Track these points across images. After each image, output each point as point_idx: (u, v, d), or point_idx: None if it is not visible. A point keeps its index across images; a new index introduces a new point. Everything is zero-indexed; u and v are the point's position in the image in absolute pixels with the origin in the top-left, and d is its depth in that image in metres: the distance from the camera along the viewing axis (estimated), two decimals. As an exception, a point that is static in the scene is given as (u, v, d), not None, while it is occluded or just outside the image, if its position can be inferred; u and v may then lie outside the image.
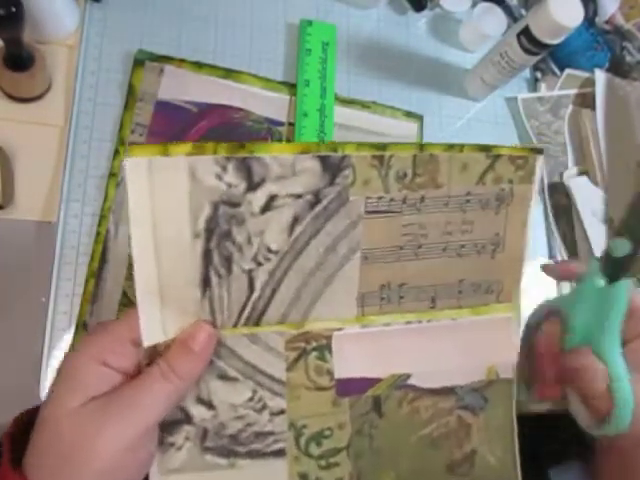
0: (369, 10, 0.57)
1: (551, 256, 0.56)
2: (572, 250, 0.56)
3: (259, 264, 0.29)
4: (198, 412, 0.30)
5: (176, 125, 0.46)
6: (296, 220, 0.29)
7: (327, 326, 0.32)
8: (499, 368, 0.36)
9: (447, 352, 0.35)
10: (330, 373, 0.32)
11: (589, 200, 0.57)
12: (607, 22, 0.66)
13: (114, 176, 0.43)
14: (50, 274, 0.41)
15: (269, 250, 0.29)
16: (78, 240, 0.42)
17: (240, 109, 0.48)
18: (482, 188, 0.32)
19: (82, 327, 0.40)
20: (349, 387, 0.33)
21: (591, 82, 0.62)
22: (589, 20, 0.63)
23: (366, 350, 0.33)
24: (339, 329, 0.32)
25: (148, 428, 0.27)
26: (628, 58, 0.65)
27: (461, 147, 0.31)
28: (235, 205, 0.28)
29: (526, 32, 0.48)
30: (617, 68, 0.64)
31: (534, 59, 0.51)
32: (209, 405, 0.30)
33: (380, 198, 0.31)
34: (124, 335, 0.27)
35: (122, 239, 0.42)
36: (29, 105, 0.43)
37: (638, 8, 0.65)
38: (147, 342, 0.27)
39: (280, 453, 0.32)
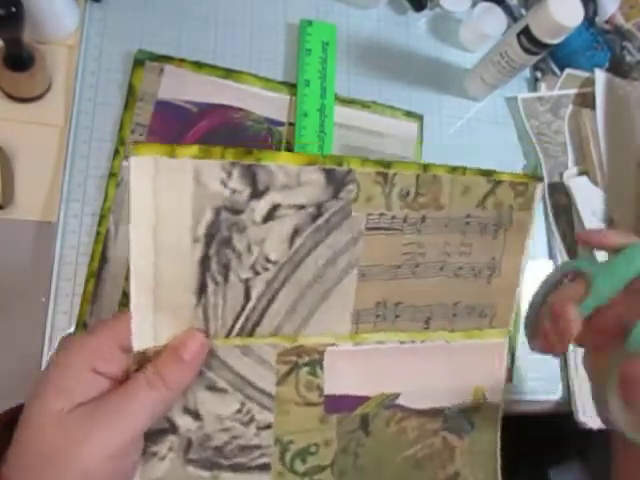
0: (369, 10, 0.57)
1: (551, 256, 0.56)
2: (572, 250, 0.56)
3: (257, 273, 0.29)
4: (184, 422, 0.29)
5: (176, 125, 0.46)
6: (297, 231, 0.29)
7: (321, 341, 0.32)
8: (487, 392, 0.36)
9: (438, 373, 0.35)
10: (320, 389, 0.32)
11: (589, 200, 0.57)
12: (607, 22, 0.66)
13: (114, 176, 0.43)
14: (50, 274, 0.41)
15: (268, 260, 0.29)
16: (78, 240, 0.42)
17: (240, 109, 0.48)
18: (482, 212, 0.33)
19: (82, 327, 0.40)
20: (338, 404, 0.33)
21: (591, 82, 0.61)
22: (589, 20, 0.63)
23: (358, 367, 0.33)
24: (332, 344, 0.32)
25: (134, 436, 0.26)
26: (628, 58, 0.65)
27: (464, 170, 0.32)
28: (237, 212, 0.28)
29: (526, 32, 0.48)
30: (617, 68, 0.64)
31: (534, 59, 0.51)
32: (195, 415, 0.30)
33: (381, 215, 0.31)
34: (113, 340, 0.27)
35: (122, 239, 0.42)
36: (29, 105, 0.43)
37: (638, 8, 0.65)
38: (137, 347, 0.27)
39: (264, 468, 0.32)
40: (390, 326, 0.33)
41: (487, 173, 0.32)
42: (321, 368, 0.32)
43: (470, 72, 0.58)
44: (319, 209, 0.29)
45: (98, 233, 0.42)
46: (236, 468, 0.31)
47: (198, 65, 0.48)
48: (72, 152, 0.43)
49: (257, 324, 0.30)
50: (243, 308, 0.29)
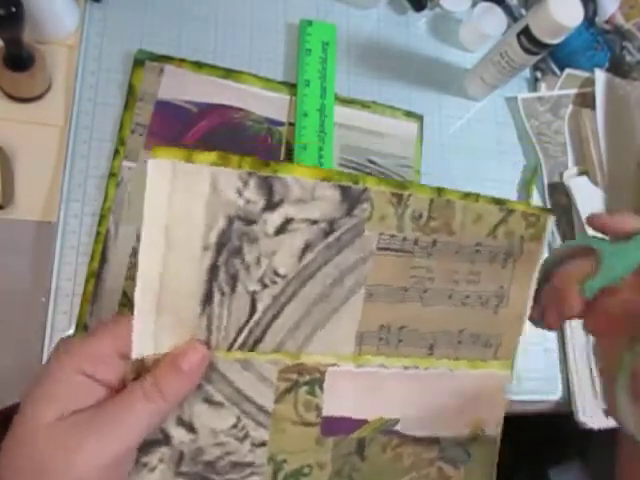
0: (369, 10, 0.57)
1: (551, 256, 0.56)
2: (572, 250, 0.56)
3: (265, 286, 0.29)
4: (178, 434, 0.29)
5: (176, 125, 0.46)
6: (308, 246, 0.29)
7: (322, 360, 0.31)
8: (485, 424, 0.36)
9: (438, 402, 0.34)
10: (318, 409, 0.32)
11: (589, 200, 0.57)
12: (607, 22, 0.66)
13: (114, 176, 0.43)
14: (50, 274, 0.41)
15: (276, 273, 0.29)
16: (78, 240, 0.42)
17: (240, 109, 0.48)
18: (493, 241, 0.33)
19: (82, 327, 0.40)
20: (336, 426, 0.32)
21: (591, 82, 0.61)
22: (589, 20, 0.63)
23: (359, 390, 0.32)
24: (334, 364, 0.31)
25: (129, 447, 0.26)
26: (628, 58, 0.65)
27: (477, 197, 0.32)
28: (250, 222, 0.27)
29: (526, 32, 0.48)
30: (617, 68, 0.64)
31: (534, 59, 0.51)
32: (190, 428, 0.29)
33: (393, 236, 0.30)
34: (112, 345, 0.26)
35: (122, 239, 0.42)
36: (29, 105, 0.43)
37: (638, 8, 0.65)
38: (136, 354, 0.26)
39: None
40: (393, 351, 0.33)
41: (500, 202, 0.32)
42: (321, 388, 0.31)
43: (470, 72, 0.58)
44: (332, 225, 0.29)
45: (98, 233, 0.42)
46: None
47: (198, 65, 0.48)
48: (72, 152, 0.43)
49: (260, 339, 0.29)
50: (247, 321, 0.29)
